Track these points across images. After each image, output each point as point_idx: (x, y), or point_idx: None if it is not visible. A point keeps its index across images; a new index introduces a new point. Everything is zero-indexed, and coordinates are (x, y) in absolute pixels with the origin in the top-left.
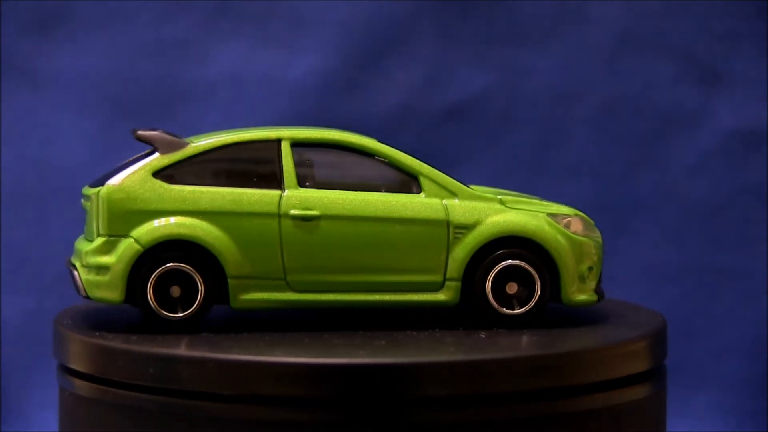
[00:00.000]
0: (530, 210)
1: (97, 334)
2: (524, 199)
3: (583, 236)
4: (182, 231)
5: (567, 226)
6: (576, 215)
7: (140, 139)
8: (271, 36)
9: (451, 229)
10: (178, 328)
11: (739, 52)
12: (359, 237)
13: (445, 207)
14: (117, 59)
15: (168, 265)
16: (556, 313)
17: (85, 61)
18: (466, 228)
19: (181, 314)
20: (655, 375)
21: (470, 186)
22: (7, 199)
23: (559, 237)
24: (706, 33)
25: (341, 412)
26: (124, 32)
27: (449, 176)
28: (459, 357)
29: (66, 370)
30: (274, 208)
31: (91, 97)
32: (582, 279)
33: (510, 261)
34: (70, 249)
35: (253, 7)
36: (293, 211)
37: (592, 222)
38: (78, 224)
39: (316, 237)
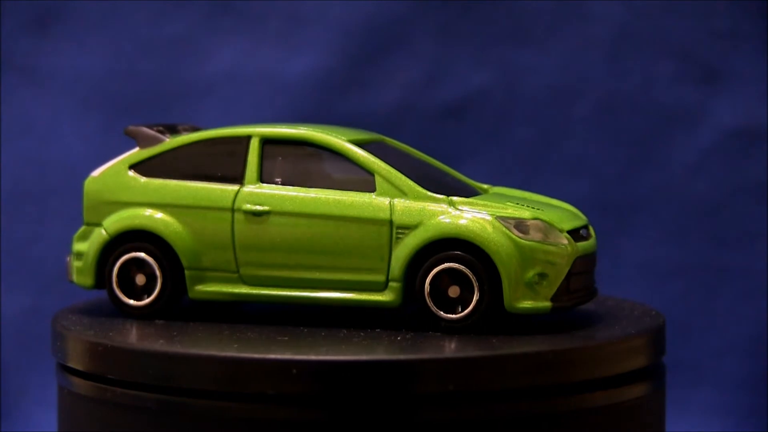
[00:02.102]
0: (478, 212)
1: (96, 332)
2: (480, 201)
3: (540, 241)
4: (142, 222)
5: (522, 230)
6: (536, 219)
7: (127, 133)
8: (271, 34)
9: (393, 229)
10: (138, 315)
11: (738, 50)
12: (306, 234)
13: (391, 207)
14: (116, 57)
15: (129, 254)
16: (550, 310)
17: (84, 59)
18: (408, 228)
19: (140, 302)
20: (654, 373)
21: (474, 183)
22: (6, 197)
23: (502, 241)
24: (706, 31)
25: (342, 410)
26: (123, 30)
27: (405, 176)
28: (456, 354)
29: (65, 369)
30: (228, 203)
31: (90, 95)
32: (530, 286)
33: (448, 264)
34: (69, 247)
35: (253, 5)
36: (245, 206)
37: (560, 228)
38: (77, 221)
39: (266, 232)
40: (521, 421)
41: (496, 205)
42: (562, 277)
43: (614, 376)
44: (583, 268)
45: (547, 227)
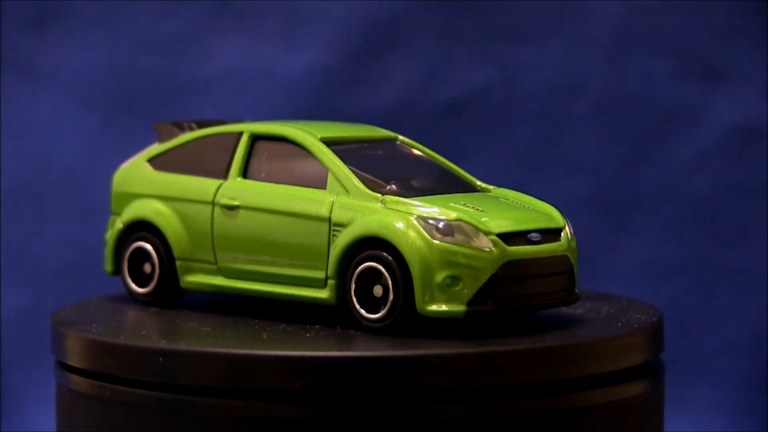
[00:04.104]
0: (402, 211)
1: (95, 329)
2: (414, 200)
3: (458, 243)
4: (144, 213)
5: (444, 231)
6: (458, 220)
7: (154, 128)
8: (271, 31)
9: (331, 227)
10: (142, 301)
11: (738, 48)
12: (265, 228)
13: (332, 204)
14: (116, 55)
15: (136, 243)
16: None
17: (84, 56)
18: (342, 226)
19: (144, 289)
20: (653, 371)
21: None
22: (6, 194)
23: (415, 241)
24: (706, 29)
25: (344, 408)
26: (123, 28)
27: (353, 173)
28: (453, 351)
29: (63, 366)
30: (210, 197)
31: (90, 93)
32: (442, 288)
33: (369, 263)
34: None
35: (253, 3)
36: (221, 200)
37: (487, 230)
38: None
39: (236, 226)
40: (519, 418)
41: (428, 204)
42: (482, 281)
43: (612, 372)
44: (524, 273)
45: (471, 229)
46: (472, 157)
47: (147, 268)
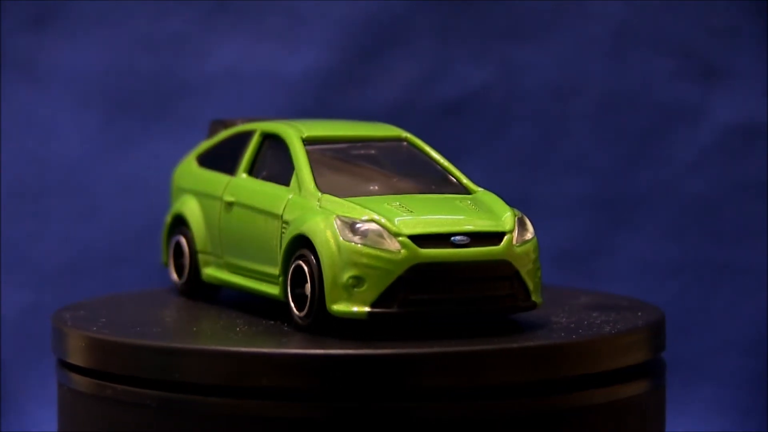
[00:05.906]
0: (329, 211)
1: (96, 328)
2: (345, 200)
3: (366, 244)
4: (180, 208)
5: (356, 231)
6: (371, 221)
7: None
8: (270, 31)
9: (281, 224)
10: (179, 292)
11: (738, 47)
12: (246, 225)
13: (286, 202)
14: (116, 54)
15: (176, 237)
16: (549, 306)
17: (83, 56)
18: (288, 224)
19: (180, 280)
20: (654, 370)
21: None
22: (5, 194)
23: (328, 241)
24: (706, 28)
25: (344, 406)
26: (123, 27)
27: (311, 172)
28: (453, 349)
29: (64, 365)
30: (219, 192)
31: (89, 93)
32: (346, 288)
33: (298, 261)
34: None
35: (253, 3)
36: (225, 197)
37: (397, 231)
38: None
39: (231, 222)
40: (519, 418)
41: (356, 204)
42: (387, 283)
43: (613, 372)
44: (439, 276)
45: (382, 230)
46: (471, 156)
47: (186, 260)
